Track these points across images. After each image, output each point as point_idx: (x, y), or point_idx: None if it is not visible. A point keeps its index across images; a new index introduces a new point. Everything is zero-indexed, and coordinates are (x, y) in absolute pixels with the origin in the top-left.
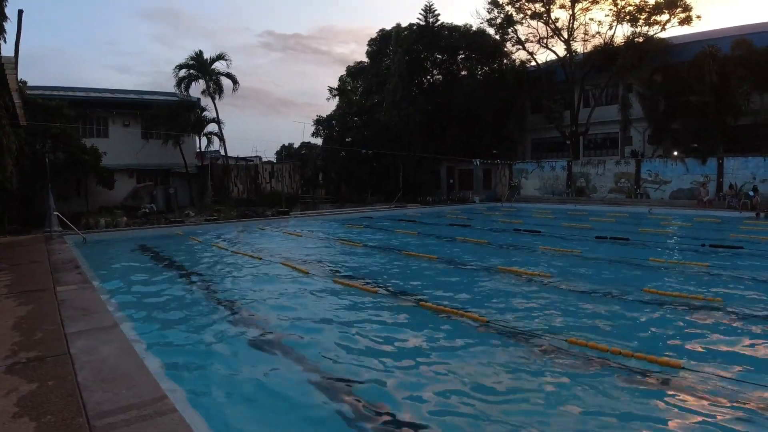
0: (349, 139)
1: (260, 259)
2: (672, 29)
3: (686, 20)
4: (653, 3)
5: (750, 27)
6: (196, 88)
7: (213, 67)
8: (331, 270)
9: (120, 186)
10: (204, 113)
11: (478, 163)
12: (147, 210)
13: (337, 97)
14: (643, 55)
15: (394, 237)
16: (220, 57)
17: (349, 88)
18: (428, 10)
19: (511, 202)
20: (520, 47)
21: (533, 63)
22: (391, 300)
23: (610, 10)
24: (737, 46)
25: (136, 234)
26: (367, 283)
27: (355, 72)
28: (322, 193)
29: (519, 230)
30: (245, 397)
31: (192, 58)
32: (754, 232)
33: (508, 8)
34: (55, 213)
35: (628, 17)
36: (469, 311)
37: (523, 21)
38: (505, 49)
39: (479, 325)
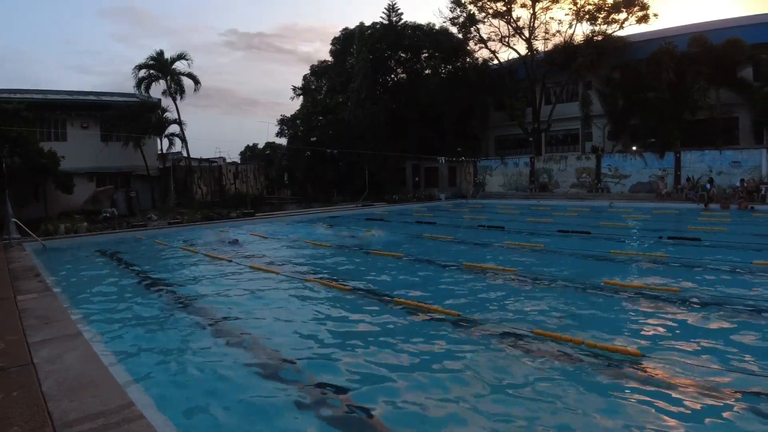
0: (314, 138)
1: (230, 261)
2: (630, 27)
3: (644, 18)
4: (612, 2)
5: (706, 24)
6: (157, 89)
7: (174, 67)
8: (299, 270)
9: (79, 190)
10: (165, 114)
11: (443, 160)
12: (108, 214)
13: (302, 97)
14: (602, 53)
15: (361, 235)
16: (181, 56)
17: (313, 87)
18: (391, 9)
19: (476, 198)
20: (483, 46)
21: (496, 61)
22: (360, 297)
23: (570, 9)
24: (694, 43)
25: (98, 239)
26: (337, 281)
27: (319, 71)
28: (287, 193)
29: (484, 226)
30: (214, 401)
31: (152, 58)
32: (711, 223)
33: (471, 7)
34: (14, 220)
35: (587, 16)
36: (438, 306)
37: (485, 20)
38: (468, 47)
39: (449, 319)
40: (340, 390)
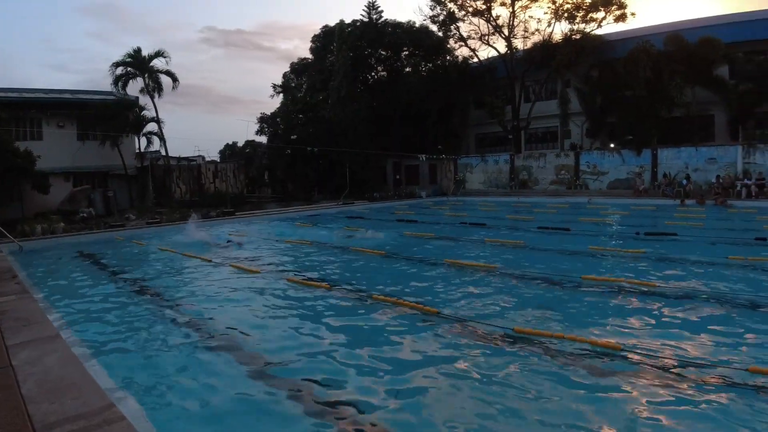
0: (295, 136)
1: (209, 261)
2: (608, 26)
3: (621, 17)
4: (590, 1)
5: (682, 23)
6: (135, 87)
7: (152, 64)
8: (281, 269)
9: (56, 190)
10: (143, 112)
11: (424, 158)
12: (85, 214)
13: (282, 95)
14: (580, 51)
15: (343, 233)
16: (158, 54)
17: (293, 85)
18: (371, 7)
19: (457, 195)
20: (463, 44)
21: (476, 60)
22: (343, 295)
23: (549, 7)
24: (670, 42)
25: (75, 240)
26: (318, 280)
27: (299, 69)
28: (268, 192)
29: (465, 223)
30: (195, 402)
31: (129, 56)
32: (687, 218)
33: (450, 5)
34: None
35: (566, 15)
36: (419, 303)
37: (465, 18)
38: (448, 45)
39: (431, 316)
40: (323, 387)
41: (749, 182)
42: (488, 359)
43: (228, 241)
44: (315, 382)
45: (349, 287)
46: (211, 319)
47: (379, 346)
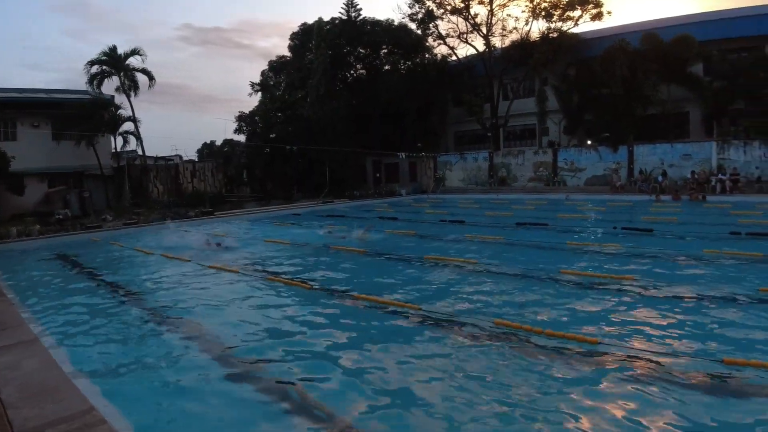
0: (273, 135)
1: (188, 261)
2: (584, 25)
3: (597, 16)
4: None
5: (658, 21)
6: (110, 85)
7: (127, 62)
8: (260, 268)
9: (31, 191)
10: (119, 111)
11: (404, 156)
12: (61, 216)
13: (260, 93)
14: (557, 50)
15: (321, 232)
16: (134, 52)
17: (271, 83)
18: (350, 5)
19: (436, 193)
20: (442, 42)
21: (454, 58)
22: (323, 294)
23: (527, 6)
24: (646, 40)
25: (51, 242)
26: (298, 279)
27: (277, 67)
28: (247, 191)
29: (445, 220)
30: (175, 403)
31: (105, 54)
32: (663, 213)
33: (429, 3)
34: None
35: (543, 13)
36: (400, 300)
37: (444, 16)
38: (427, 44)
39: (412, 313)
40: (300, 382)
41: (724, 177)
42: (468, 353)
43: (207, 242)
44: (292, 383)
45: (330, 286)
46: (189, 319)
47: (360, 343)
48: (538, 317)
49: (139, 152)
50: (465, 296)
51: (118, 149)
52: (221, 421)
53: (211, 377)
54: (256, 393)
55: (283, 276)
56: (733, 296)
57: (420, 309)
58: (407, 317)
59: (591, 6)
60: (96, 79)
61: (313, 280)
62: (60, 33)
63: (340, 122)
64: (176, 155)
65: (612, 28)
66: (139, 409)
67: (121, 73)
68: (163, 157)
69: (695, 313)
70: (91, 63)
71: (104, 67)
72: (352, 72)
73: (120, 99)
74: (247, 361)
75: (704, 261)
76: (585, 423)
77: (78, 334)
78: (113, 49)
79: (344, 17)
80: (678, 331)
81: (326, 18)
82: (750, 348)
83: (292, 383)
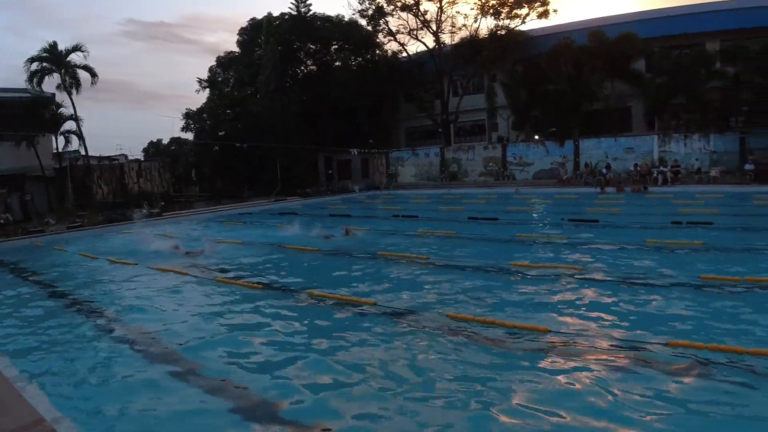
0: (222, 132)
1: (135, 264)
2: (532, 23)
3: (544, 14)
4: None
5: (603, 19)
6: (51, 83)
7: (69, 59)
8: (210, 269)
9: None
10: (60, 110)
11: (356, 152)
12: (2, 220)
13: (208, 89)
14: (505, 47)
15: (275, 231)
16: (76, 48)
17: (220, 79)
18: (300, 0)
19: (389, 189)
20: (392, 39)
21: (405, 54)
22: (276, 294)
23: (475, 3)
24: (591, 37)
25: None
26: (251, 280)
27: (226, 62)
28: (196, 190)
29: (398, 216)
30: (126, 411)
31: (45, 50)
32: (607, 205)
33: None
34: None
35: (491, 11)
36: (354, 296)
37: (394, 13)
38: (378, 40)
39: (364, 308)
40: (251, 384)
41: (665, 169)
42: (421, 346)
43: (176, 247)
44: (245, 384)
45: (283, 285)
46: (136, 322)
47: (315, 340)
48: (490, 308)
49: (82, 152)
50: (418, 290)
51: (60, 149)
52: (171, 422)
53: (159, 380)
54: (205, 394)
55: (232, 276)
56: (676, 283)
57: (374, 304)
58: (362, 313)
59: (538, 4)
60: (36, 77)
61: (263, 279)
62: None
63: (290, 119)
64: (121, 155)
65: (558, 26)
66: (91, 417)
67: (63, 71)
68: (107, 157)
69: (639, 299)
70: (31, 60)
71: (44, 64)
72: (302, 68)
73: (61, 97)
74: (194, 361)
75: (647, 249)
76: (537, 408)
77: (23, 343)
78: (54, 45)
79: (294, 12)
80: (624, 317)
81: (276, 13)
82: (693, 331)
83: (244, 386)
